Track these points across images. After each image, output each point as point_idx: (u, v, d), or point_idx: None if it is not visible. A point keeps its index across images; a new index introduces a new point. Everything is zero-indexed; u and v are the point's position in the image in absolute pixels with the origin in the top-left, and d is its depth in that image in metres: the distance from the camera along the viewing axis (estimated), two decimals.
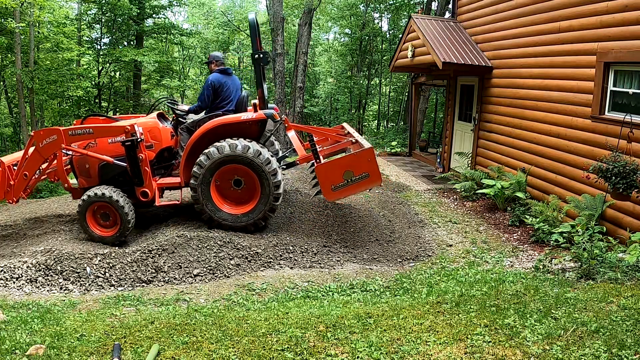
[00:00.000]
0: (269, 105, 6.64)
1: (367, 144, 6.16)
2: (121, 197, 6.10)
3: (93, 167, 6.43)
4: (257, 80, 6.40)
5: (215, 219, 6.19)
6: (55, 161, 6.41)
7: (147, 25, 21.26)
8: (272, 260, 5.94)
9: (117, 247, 6.00)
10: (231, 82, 6.61)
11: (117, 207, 6.05)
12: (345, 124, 8.28)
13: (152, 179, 6.24)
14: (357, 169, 5.84)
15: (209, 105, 6.49)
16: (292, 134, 7.13)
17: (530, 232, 6.73)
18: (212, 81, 6.41)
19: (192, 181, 6.12)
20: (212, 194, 6.13)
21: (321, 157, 6.52)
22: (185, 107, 6.71)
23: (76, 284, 5.25)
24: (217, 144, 6.07)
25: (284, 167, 7.07)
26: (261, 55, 6.19)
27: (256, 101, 6.45)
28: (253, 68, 6.36)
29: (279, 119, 6.38)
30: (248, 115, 6.28)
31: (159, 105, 7.56)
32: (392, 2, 24.49)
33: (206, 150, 6.06)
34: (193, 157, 6.23)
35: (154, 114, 6.82)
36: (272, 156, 6.17)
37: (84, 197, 6.14)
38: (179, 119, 6.74)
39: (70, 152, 6.37)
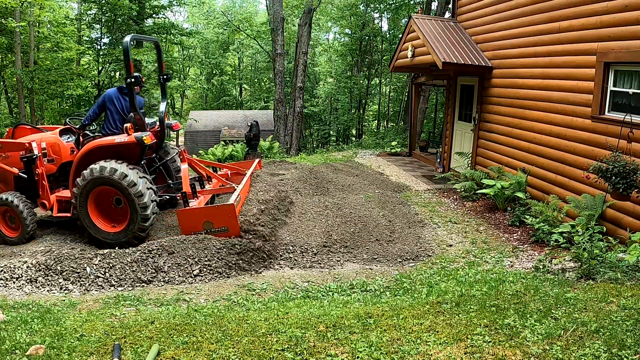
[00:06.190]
0: (167, 127, 7.06)
1: (233, 198, 6.28)
2: (22, 203, 6.60)
3: (9, 176, 6.97)
4: (132, 104, 6.50)
5: (94, 236, 6.34)
6: None
7: (147, 25, 21.25)
8: (272, 260, 5.94)
9: (117, 247, 6.02)
10: (125, 101, 6.76)
11: (18, 212, 6.55)
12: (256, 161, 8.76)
13: (48, 191, 6.66)
14: (216, 222, 5.93)
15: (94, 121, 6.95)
16: (184, 167, 7.24)
17: (530, 232, 6.73)
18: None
19: (73, 200, 6.40)
20: (89, 212, 6.29)
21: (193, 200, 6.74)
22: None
23: (76, 284, 5.25)
24: (92, 165, 6.19)
25: (166, 197, 7.08)
26: (133, 80, 6.23)
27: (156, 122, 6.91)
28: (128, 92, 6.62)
29: (150, 142, 6.41)
30: (121, 138, 6.36)
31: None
32: (392, 2, 24.49)
33: (83, 172, 6.24)
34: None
35: (57, 129, 7.26)
36: (141, 177, 6.18)
37: None
38: (86, 132, 7.10)
39: None
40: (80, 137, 7.06)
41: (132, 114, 6.53)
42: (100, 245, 6.26)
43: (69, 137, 7.18)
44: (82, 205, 6.24)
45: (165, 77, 7.16)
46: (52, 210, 6.76)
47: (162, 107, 7.05)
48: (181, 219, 6.04)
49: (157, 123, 6.97)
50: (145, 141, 6.26)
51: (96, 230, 6.29)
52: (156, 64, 22.52)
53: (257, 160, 8.73)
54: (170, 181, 7.46)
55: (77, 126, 7.12)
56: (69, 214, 6.69)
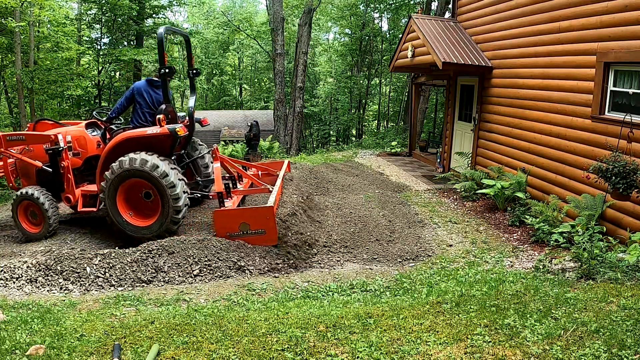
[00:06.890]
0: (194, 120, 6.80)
1: (272, 200, 6.14)
2: (45, 197, 6.49)
3: (31, 170, 6.84)
4: (165, 96, 6.40)
5: (124, 231, 6.20)
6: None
7: (147, 25, 21.26)
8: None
9: (117, 247, 6.02)
10: (154, 94, 6.61)
11: (40, 206, 6.45)
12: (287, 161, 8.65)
13: (73, 185, 6.53)
14: (253, 224, 5.76)
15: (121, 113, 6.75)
16: (217, 166, 7.02)
17: (530, 232, 6.73)
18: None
19: (100, 194, 6.23)
20: (118, 206, 6.12)
21: (228, 199, 6.55)
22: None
23: (76, 284, 5.25)
24: (121, 158, 6.03)
25: (197, 194, 6.97)
26: (167, 70, 6.09)
27: (185, 115, 6.74)
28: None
29: (183, 133, 6.24)
30: (153, 129, 6.18)
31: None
32: (392, 2, 24.48)
33: (112, 164, 6.07)
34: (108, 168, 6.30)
35: (83, 123, 7.11)
36: (172, 169, 6.04)
37: (15, 195, 6.62)
38: (111, 126, 6.92)
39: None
40: (107, 132, 6.89)
41: (164, 105, 6.38)
42: (130, 240, 6.15)
43: (94, 131, 7.04)
44: (111, 199, 6.06)
45: (194, 71, 6.93)
46: (75, 206, 6.64)
47: (192, 102, 6.87)
48: (217, 220, 5.86)
49: (187, 118, 6.83)
50: (179, 132, 6.06)
51: (131, 227, 6.16)
52: (157, 65, 22.59)
53: (286, 162, 8.56)
54: (198, 178, 7.32)
55: (104, 119, 6.95)
56: (94, 209, 6.58)
